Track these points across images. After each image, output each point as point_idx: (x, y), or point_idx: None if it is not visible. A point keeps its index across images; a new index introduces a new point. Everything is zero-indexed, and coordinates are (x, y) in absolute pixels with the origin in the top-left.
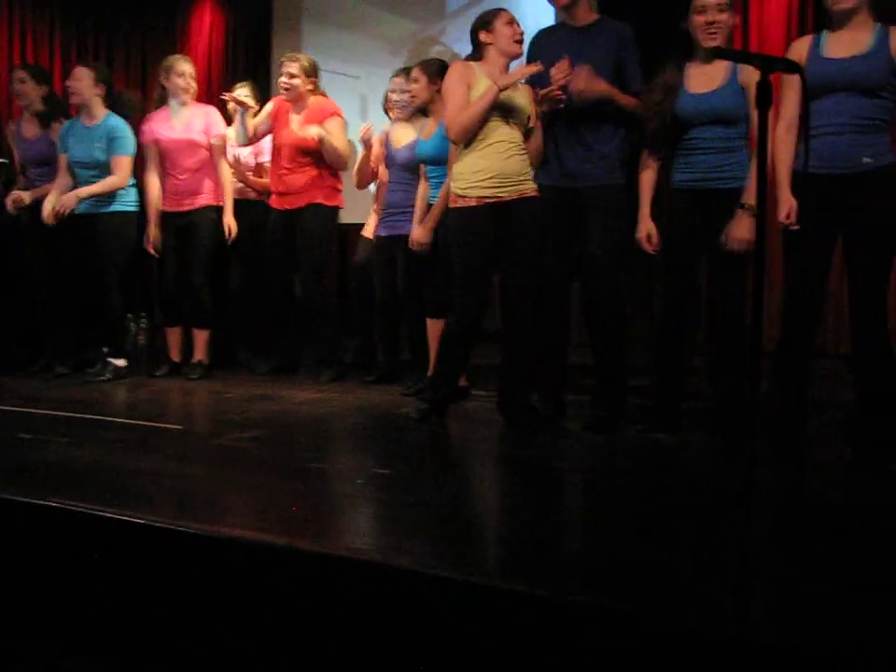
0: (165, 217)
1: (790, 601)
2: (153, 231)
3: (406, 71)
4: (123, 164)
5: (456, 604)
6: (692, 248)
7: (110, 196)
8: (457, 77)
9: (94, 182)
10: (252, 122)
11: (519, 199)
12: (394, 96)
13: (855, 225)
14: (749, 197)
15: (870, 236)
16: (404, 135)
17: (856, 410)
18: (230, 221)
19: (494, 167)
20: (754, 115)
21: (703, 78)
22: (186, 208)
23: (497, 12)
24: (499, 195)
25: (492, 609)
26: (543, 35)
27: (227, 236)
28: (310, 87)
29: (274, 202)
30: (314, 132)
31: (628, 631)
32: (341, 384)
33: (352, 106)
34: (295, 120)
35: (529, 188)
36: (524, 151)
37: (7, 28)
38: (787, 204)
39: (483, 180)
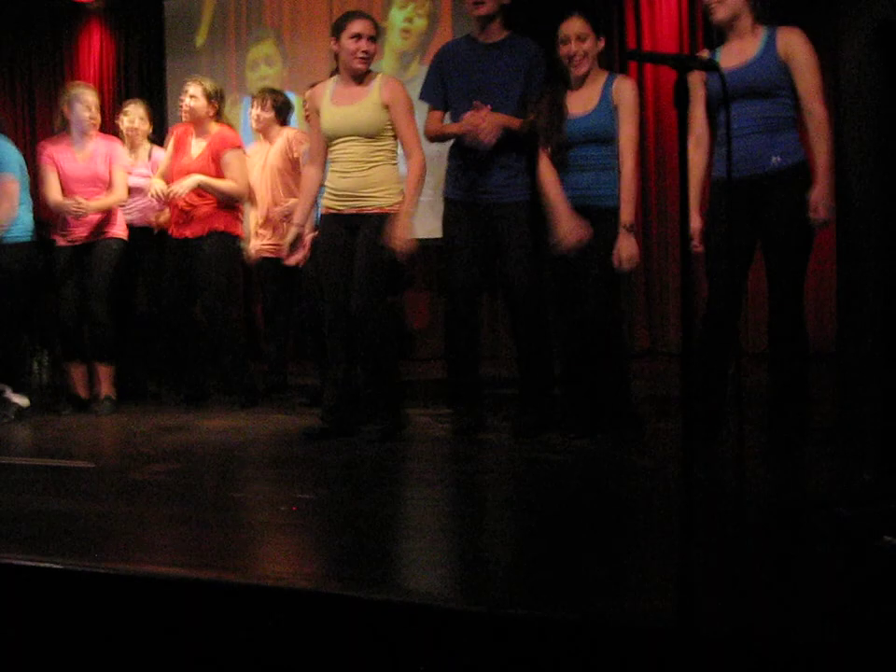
0: (62, 249)
1: (730, 595)
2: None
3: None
4: (11, 188)
5: (391, 626)
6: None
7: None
8: (307, 109)
9: None
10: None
11: (357, 214)
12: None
13: (769, 225)
14: (626, 215)
15: (784, 235)
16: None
17: (770, 402)
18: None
19: (333, 184)
20: (625, 131)
21: (579, 102)
22: (85, 240)
23: (349, 19)
24: (338, 209)
25: (426, 628)
26: (452, 47)
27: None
28: (211, 112)
29: (174, 230)
30: (188, 183)
31: (571, 637)
32: (253, 411)
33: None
34: (195, 146)
35: (371, 204)
36: (372, 167)
37: None
38: (693, 226)
39: (327, 194)
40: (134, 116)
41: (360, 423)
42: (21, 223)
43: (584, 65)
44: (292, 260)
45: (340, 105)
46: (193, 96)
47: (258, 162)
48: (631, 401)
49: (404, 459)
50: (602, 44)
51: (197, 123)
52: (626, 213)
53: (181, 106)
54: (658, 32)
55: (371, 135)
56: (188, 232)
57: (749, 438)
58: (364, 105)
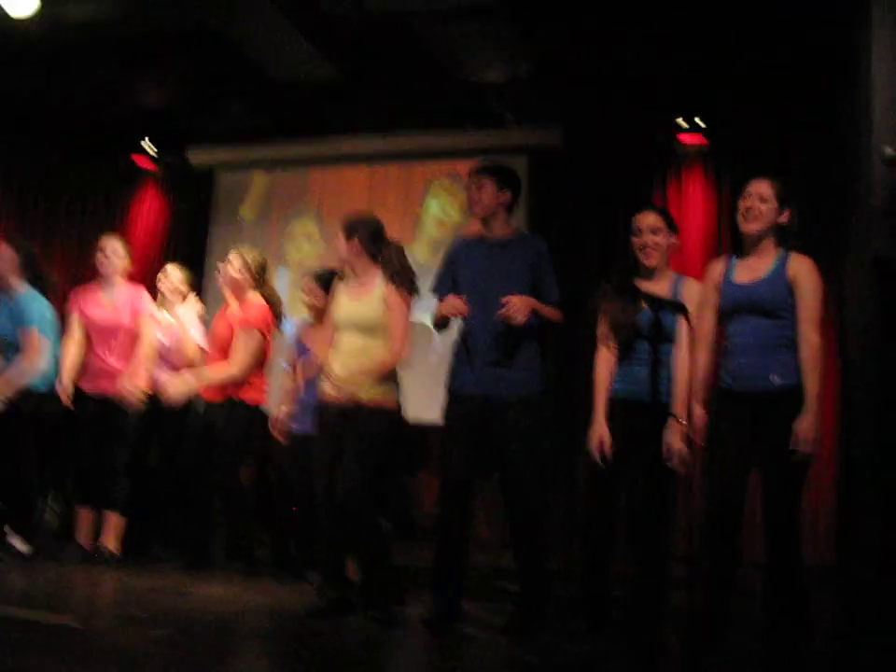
0: (85, 395)
1: None
2: (66, 382)
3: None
4: (33, 339)
5: None
6: (624, 461)
7: None
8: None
9: (7, 354)
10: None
11: (353, 405)
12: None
13: (765, 443)
14: (676, 407)
15: (778, 458)
16: None
17: (765, 624)
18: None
19: (330, 371)
20: (683, 332)
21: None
22: (107, 390)
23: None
24: (332, 394)
25: None
26: (460, 245)
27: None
28: (247, 281)
29: (201, 391)
30: (181, 388)
31: None
32: (253, 579)
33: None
34: (231, 309)
35: (367, 397)
36: (365, 357)
37: None
38: (696, 421)
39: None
40: (172, 277)
41: (357, 604)
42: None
43: (654, 257)
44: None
45: (351, 300)
46: (230, 262)
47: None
48: (661, 613)
49: (386, 647)
50: (675, 239)
51: (235, 289)
52: (677, 405)
53: (222, 274)
54: (686, 238)
55: (370, 330)
56: (207, 396)
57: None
58: (368, 302)
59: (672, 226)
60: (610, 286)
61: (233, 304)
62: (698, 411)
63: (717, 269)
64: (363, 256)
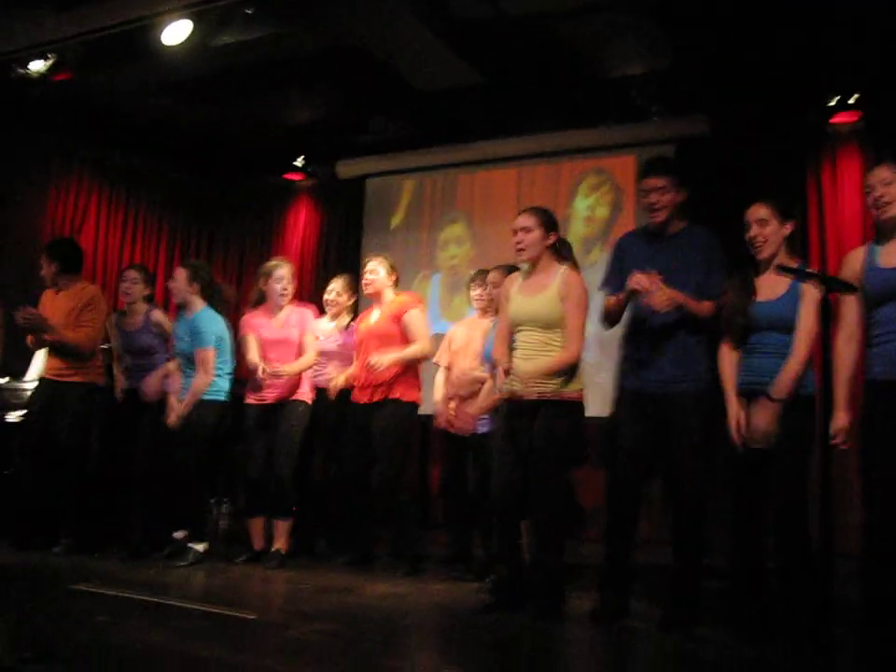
0: (252, 407)
1: None
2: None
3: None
4: (204, 357)
5: None
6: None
7: None
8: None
9: (186, 370)
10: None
11: (540, 400)
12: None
13: None
14: (777, 390)
15: None
16: None
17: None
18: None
19: (514, 368)
20: (798, 319)
21: (766, 288)
22: (275, 401)
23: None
24: (521, 391)
25: None
26: (630, 238)
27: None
28: (390, 283)
29: (355, 395)
30: (386, 361)
31: None
32: (418, 578)
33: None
34: (375, 314)
35: (554, 390)
36: (553, 352)
37: (122, 223)
38: (838, 424)
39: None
40: (336, 288)
41: (525, 597)
42: (217, 386)
43: (766, 250)
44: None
45: (524, 295)
46: (372, 271)
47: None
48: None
49: (555, 642)
50: (788, 229)
51: (375, 296)
52: (779, 387)
53: (364, 282)
54: (842, 222)
55: (548, 326)
56: (365, 397)
57: None
58: (545, 297)
59: (785, 215)
60: (732, 280)
61: (376, 311)
62: (841, 413)
63: (857, 257)
64: (551, 249)
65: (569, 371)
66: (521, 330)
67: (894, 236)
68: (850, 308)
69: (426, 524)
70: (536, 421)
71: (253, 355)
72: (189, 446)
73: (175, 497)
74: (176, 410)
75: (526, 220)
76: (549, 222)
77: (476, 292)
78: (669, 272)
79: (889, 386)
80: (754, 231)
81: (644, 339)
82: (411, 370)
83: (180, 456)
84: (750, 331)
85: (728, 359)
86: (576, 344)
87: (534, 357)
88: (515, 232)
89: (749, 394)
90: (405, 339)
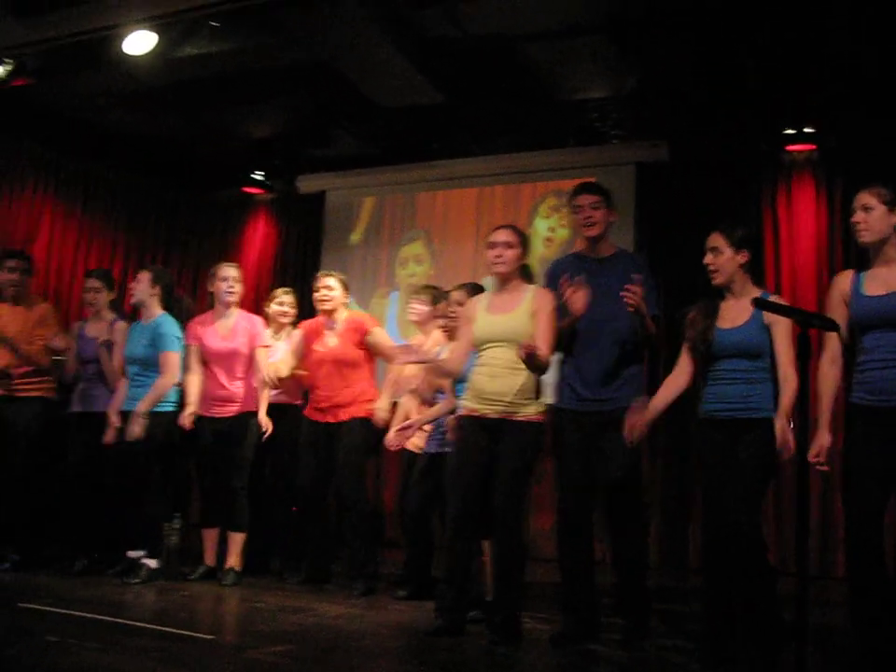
0: (204, 420)
1: None
2: (191, 410)
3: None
4: (170, 360)
5: None
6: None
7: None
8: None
9: (139, 378)
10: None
11: (503, 419)
12: (442, 321)
13: None
14: (783, 412)
15: None
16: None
17: None
18: (263, 419)
19: (476, 385)
20: (778, 350)
21: (729, 314)
22: (226, 414)
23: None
24: (483, 412)
25: None
26: (562, 265)
27: (262, 431)
28: (345, 301)
29: (313, 414)
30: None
31: None
32: (373, 598)
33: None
34: (329, 336)
35: (520, 412)
36: (521, 372)
37: (77, 230)
38: (819, 443)
39: (470, 397)
40: (289, 301)
41: (480, 621)
42: (168, 397)
43: (719, 278)
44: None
45: (494, 314)
46: (331, 287)
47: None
48: (776, 627)
49: (515, 665)
50: (743, 258)
51: (330, 313)
52: (783, 410)
53: (318, 298)
54: (797, 249)
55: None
56: (330, 417)
57: None
58: (518, 314)
59: (739, 244)
60: (697, 306)
61: (329, 332)
62: (825, 433)
63: (844, 281)
64: (521, 271)
65: (532, 393)
66: (487, 348)
67: (879, 263)
68: (833, 335)
69: (381, 541)
70: (500, 442)
71: (189, 370)
72: (142, 459)
73: (128, 513)
74: (137, 413)
75: (509, 236)
76: (526, 242)
77: (418, 307)
78: (603, 293)
79: (870, 413)
80: (708, 258)
81: (585, 359)
82: (372, 388)
83: (132, 470)
84: (715, 359)
85: (672, 380)
86: (548, 348)
87: (500, 376)
88: (494, 246)
89: (719, 422)
90: (368, 359)
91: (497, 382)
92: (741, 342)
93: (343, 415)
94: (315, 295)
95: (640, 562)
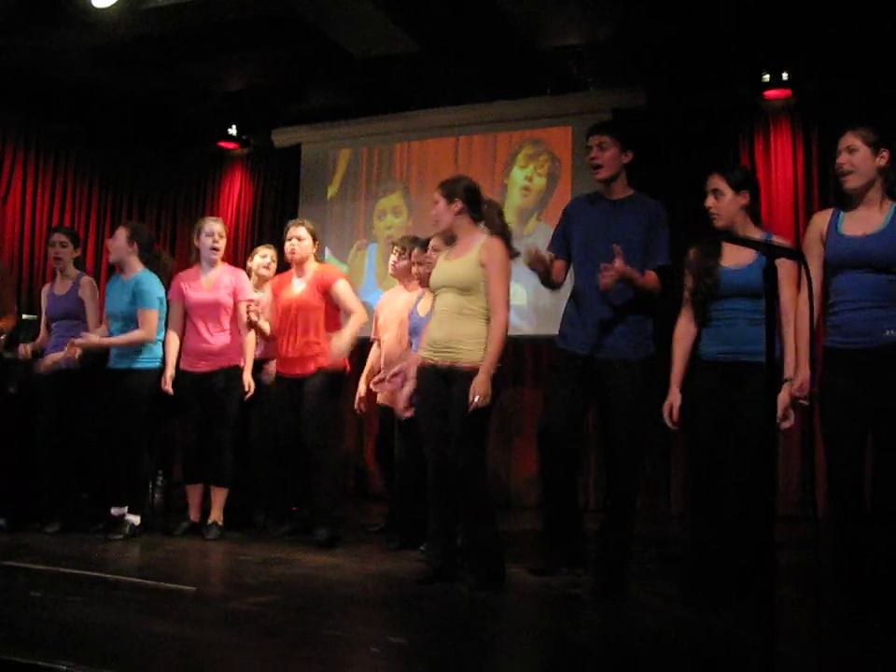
0: (186, 375)
1: None
2: (169, 373)
3: (424, 244)
4: (148, 318)
5: None
6: (720, 418)
7: (136, 352)
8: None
9: (122, 334)
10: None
11: (451, 366)
12: (414, 269)
13: (881, 401)
14: (788, 370)
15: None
16: (429, 305)
17: None
18: (248, 379)
19: (428, 334)
20: (782, 291)
21: (731, 255)
22: (209, 368)
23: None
24: (434, 360)
25: None
26: (577, 203)
27: (246, 391)
28: (314, 250)
29: (283, 368)
30: (344, 348)
31: None
32: (358, 548)
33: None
34: (297, 284)
35: (465, 358)
36: (466, 319)
37: (51, 190)
38: (800, 378)
39: (423, 346)
40: (271, 255)
41: (461, 569)
42: (153, 353)
43: (719, 220)
44: (408, 413)
45: (447, 260)
46: (301, 238)
47: (390, 305)
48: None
49: (498, 610)
50: (743, 199)
51: (300, 263)
52: (788, 368)
53: (287, 249)
54: (774, 195)
55: (464, 289)
56: (298, 369)
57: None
58: (463, 260)
59: (739, 185)
60: (696, 248)
61: (297, 280)
62: (805, 370)
63: (822, 220)
64: (465, 216)
65: (481, 338)
66: (438, 294)
67: (858, 205)
68: (813, 272)
69: (366, 495)
70: (451, 390)
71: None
72: (130, 415)
73: (114, 470)
74: (84, 342)
75: (434, 194)
76: (450, 192)
77: (393, 258)
78: (613, 236)
79: (844, 356)
80: (709, 201)
81: (587, 301)
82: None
83: (121, 426)
84: (715, 298)
85: (683, 336)
86: (502, 312)
87: (444, 323)
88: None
89: (726, 365)
90: (331, 310)
91: (443, 329)
92: (746, 282)
93: (312, 366)
94: (286, 245)
95: (631, 504)
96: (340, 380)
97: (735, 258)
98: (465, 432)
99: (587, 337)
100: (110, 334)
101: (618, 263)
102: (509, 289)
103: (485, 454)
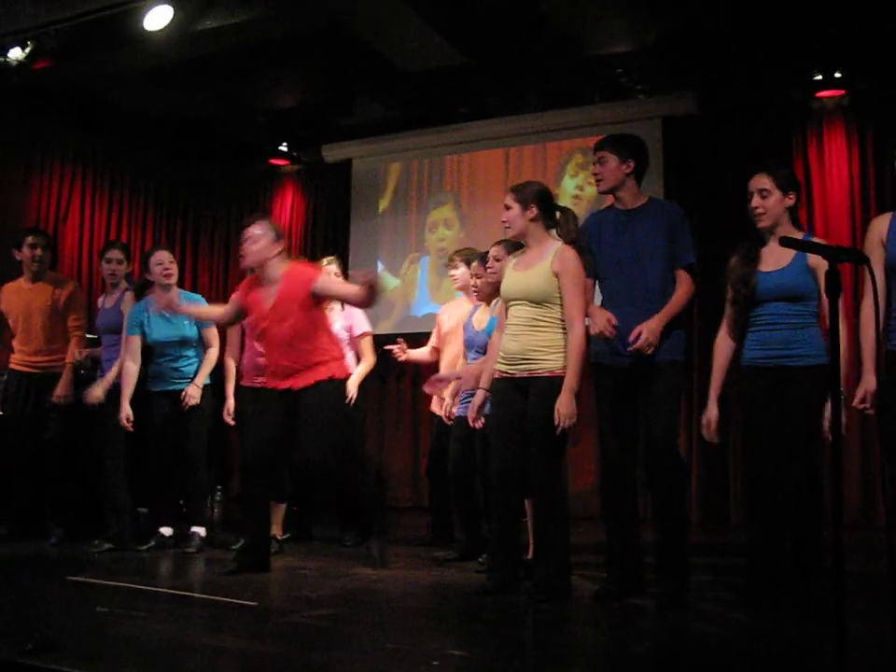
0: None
1: None
2: (231, 403)
3: (482, 257)
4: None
5: None
6: (769, 424)
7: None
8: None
9: (183, 359)
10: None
11: (528, 377)
12: (472, 282)
13: None
14: (846, 380)
15: None
16: (485, 318)
17: None
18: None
19: (503, 346)
20: (824, 294)
21: (772, 258)
22: (280, 386)
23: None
24: (510, 372)
25: None
26: (593, 219)
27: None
28: (278, 250)
29: (269, 382)
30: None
31: None
32: (415, 562)
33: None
34: (272, 292)
35: (542, 367)
36: (541, 330)
37: (108, 209)
38: (864, 387)
39: (499, 358)
40: (334, 269)
41: (523, 580)
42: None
43: (765, 221)
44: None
45: (518, 270)
46: (255, 238)
47: (455, 317)
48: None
49: (561, 622)
50: (790, 200)
51: (263, 266)
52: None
53: (243, 249)
54: (829, 197)
55: (539, 301)
56: (287, 385)
57: None
58: (537, 271)
59: (787, 186)
60: (736, 256)
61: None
62: (870, 377)
63: (881, 223)
64: (539, 223)
65: (557, 346)
66: (512, 306)
67: None
68: (877, 274)
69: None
70: (528, 400)
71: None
72: (199, 435)
73: (175, 486)
74: (192, 389)
75: (506, 198)
76: (525, 197)
77: (455, 272)
78: (636, 246)
79: None
80: (755, 201)
81: (618, 312)
82: (335, 346)
83: (192, 446)
84: (757, 303)
85: (723, 350)
86: (580, 325)
87: (520, 336)
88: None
89: (772, 370)
90: (316, 315)
91: (519, 341)
92: (783, 284)
93: (310, 380)
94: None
95: (682, 518)
96: (343, 385)
97: (774, 261)
98: (545, 441)
99: (620, 346)
100: (164, 361)
101: (640, 344)
102: (585, 300)
103: (565, 464)
